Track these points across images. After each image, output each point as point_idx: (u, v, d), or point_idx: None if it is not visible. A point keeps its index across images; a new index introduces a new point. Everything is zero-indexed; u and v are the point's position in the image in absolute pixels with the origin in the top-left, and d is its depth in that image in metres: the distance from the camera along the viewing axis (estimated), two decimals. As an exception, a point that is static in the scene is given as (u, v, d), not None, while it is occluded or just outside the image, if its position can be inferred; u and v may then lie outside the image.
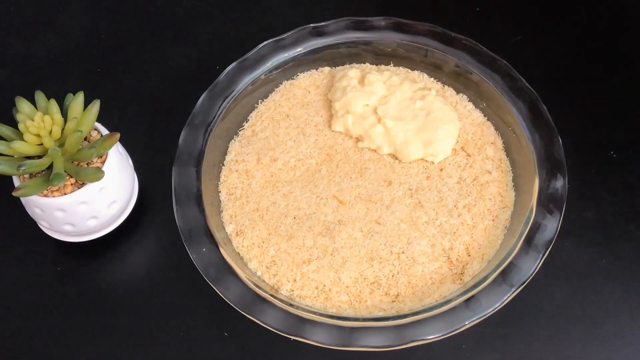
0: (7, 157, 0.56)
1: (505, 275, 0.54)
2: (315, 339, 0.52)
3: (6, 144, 0.54)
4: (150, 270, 0.62)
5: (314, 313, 0.54)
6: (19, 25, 0.79)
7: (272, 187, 0.63)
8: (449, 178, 0.63)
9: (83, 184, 0.57)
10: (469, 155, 0.64)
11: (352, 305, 0.57)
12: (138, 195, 0.65)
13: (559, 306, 0.59)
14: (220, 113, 0.64)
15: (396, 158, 0.64)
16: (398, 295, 0.57)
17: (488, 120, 0.67)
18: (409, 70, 0.70)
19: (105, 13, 0.80)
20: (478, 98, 0.67)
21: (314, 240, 0.60)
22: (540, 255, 0.55)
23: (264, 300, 0.54)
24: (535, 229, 0.57)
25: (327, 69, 0.70)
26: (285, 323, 0.53)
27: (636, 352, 0.57)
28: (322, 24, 0.69)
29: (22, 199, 0.59)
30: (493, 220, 0.61)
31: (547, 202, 0.58)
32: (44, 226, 0.61)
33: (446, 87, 0.69)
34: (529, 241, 0.56)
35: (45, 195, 0.56)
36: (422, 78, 0.69)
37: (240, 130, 0.67)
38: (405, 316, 0.53)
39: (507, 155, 0.65)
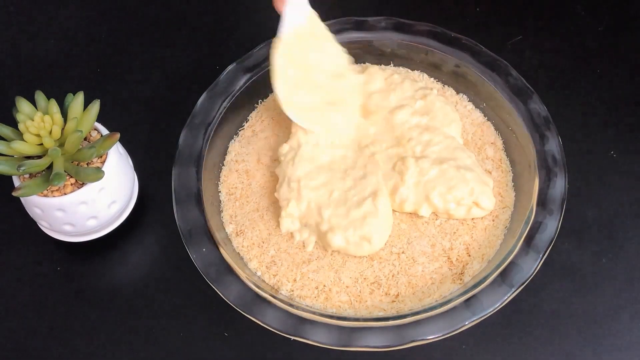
0: (7, 157, 0.56)
1: (505, 275, 0.54)
2: (315, 339, 0.52)
3: (6, 144, 0.54)
4: (150, 270, 0.62)
5: (314, 313, 0.54)
6: (19, 25, 0.79)
7: (272, 187, 0.63)
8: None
9: (83, 184, 0.57)
10: None
11: (352, 305, 0.57)
12: (138, 195, 0.65)
13: (559, 306, 0.59)
14: (220, 113, 0.64)
15: None
16: (398, 295, 0.57)
17: (488, 120, 0.67)
18: (409, 70, 0.70)
19: (105, 13, 0.80)
20: (478, 98, 0.67)
21: (314, 240, 0.60)
22: (540, 255, 0.55)
23: (264, 300, 0.54)
24: (535, 229, 0.56)
25: (327, 69, 0.70)
26: (285, 323, 0.53)
27: (636, 352, 0.57)
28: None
29: (22, 199, 0.59)
30: (493, 220, 0.61)
31: (547, 202, 0.58)
32: (44, 226, 0.61)
33: (446, 87, 0.69)
34: (529, 241, 0.56)
35: (45, 195, 0.56)
36: (422, 78, 0.69)
37: (240, 130, 0.67)
38: (405, 316, 0.53)
39: (507, 155, 0.65)
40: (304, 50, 0.62)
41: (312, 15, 0.62)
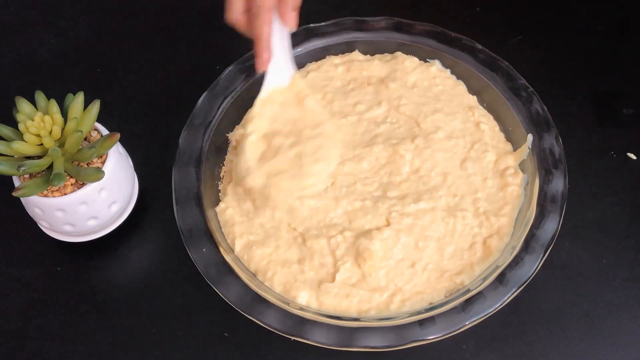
0: (7, 157, 0.56)
1: (505, 275, 0.54)
2: (315, 339, 0.52)
3: (6, 144, 0.54)
4: (151, 270, 0.62)
5: (314, 313, 0.54)
6: (19, 25, 0.79)
7: (272, 187, 0.63)
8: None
9: (83, 184, 0.57)
10: None
11: (352, 305, 0.57)
12: (138, 196, 0.65)
13: (559, 306, 0.59)
14: (220, 113, 0.64)
15: None
16: (398, 295, 0.57)
17: (488, 120, 0.67)
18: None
19: (105, 13, 0.80)
20: (478, 98, 0.67)
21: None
22: (540, 256, 0.55)
23: (264, 300, 0.54)
24: (535, 229, 0.56)
25: (326, 69, 0.70)
26: (285, 323, 0.53)
27: (636, 352, 0.57)
28: (322, 24, 0.69)
29: (22, 199, 0.59)
30: (493, 220, 0.61)
31: (547, 202, 0.58)
32: (44, 226, 0.61)
33: (446, 87, 0.69)
34: (529, 241, 0.56)
35: (45, 196, 0.56)
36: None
37: (240, 131, 0.67)
38: (405, 316, 0.53)
39: (507, 155, 0.65)
40: (284, 108, 0.60)
41: (295, 75, 0.60)
